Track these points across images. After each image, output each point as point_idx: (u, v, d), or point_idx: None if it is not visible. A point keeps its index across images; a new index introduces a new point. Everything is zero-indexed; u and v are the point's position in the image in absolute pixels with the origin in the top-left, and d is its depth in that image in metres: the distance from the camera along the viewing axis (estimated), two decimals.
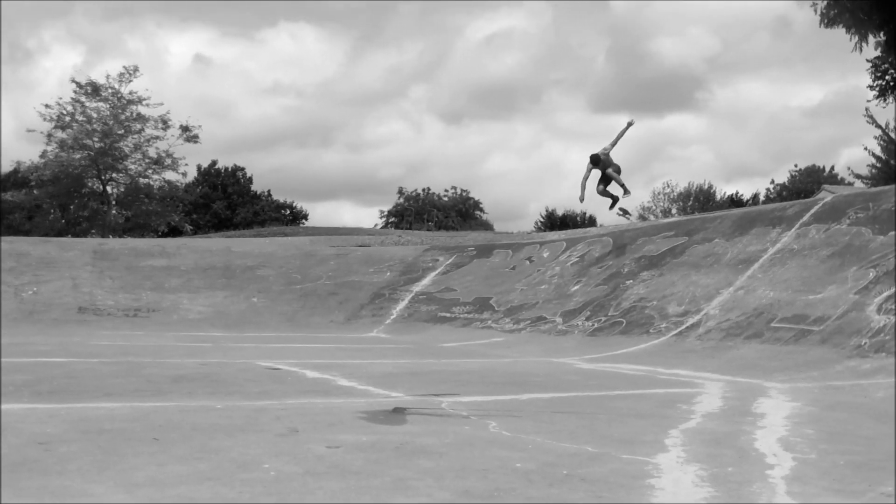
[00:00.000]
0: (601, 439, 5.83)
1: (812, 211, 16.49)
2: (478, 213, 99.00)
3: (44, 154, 50.24)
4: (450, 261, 25.00)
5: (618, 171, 19.62)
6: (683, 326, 14.22)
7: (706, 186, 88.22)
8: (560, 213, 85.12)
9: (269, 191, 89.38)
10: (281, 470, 4.70)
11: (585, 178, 19.60)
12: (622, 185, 19.64)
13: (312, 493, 4.17)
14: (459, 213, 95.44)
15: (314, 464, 4.89)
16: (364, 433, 6.00)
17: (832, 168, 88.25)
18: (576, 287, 18.92)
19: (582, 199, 20.40)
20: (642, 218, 70.15)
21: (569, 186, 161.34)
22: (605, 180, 19.61)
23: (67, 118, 49.51)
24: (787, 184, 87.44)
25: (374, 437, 5.85)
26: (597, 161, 19.34)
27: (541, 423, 6.62)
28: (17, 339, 15.53)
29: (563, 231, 31.82)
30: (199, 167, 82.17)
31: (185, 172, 54.86)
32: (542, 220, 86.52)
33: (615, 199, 19.86)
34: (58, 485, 4.28)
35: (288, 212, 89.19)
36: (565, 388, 9.29)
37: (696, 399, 8.29)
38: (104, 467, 4.69)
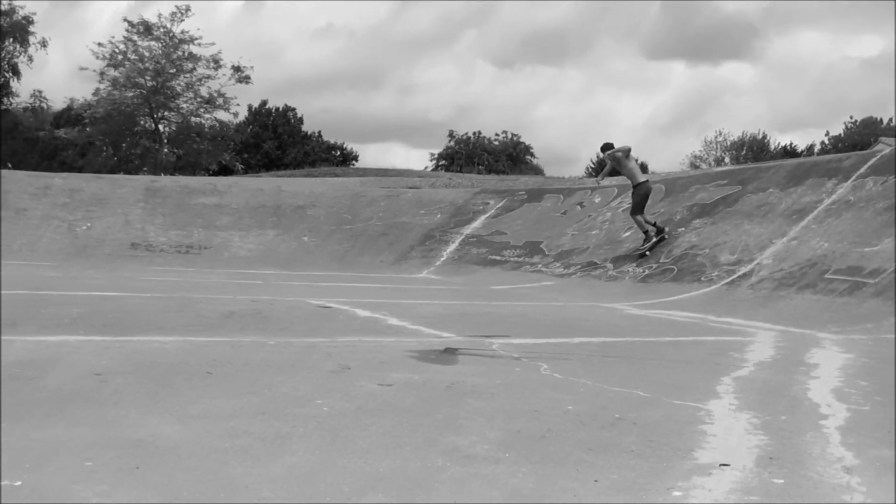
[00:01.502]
0: (652, 384, 5.79)
1: (869, 163, 16.16)
2: (528, 157, 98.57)
3: (96, 92, 50.71)
4: (500, 204, 24.94)
5: (640, 206, 17.47)
6: (735, 275, 14.08)
7: (760, 136, 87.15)
8: None
9: (319, 132, 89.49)
10: (333, 406, 4.72)
11: (606, 171, 18.70)
12: (641, 229, 17.57)
13: (365, 430, 4.18)
14: (510, 157, 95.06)
15: (366, 400, 4.91)
16: (415, 372, 6.02)
17: (890, 120, 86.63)
18: (627, 233, 18.78)
19: (599, 181, 20.06)
20: (694, 166, 69.46)
21: (619, 133, 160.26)
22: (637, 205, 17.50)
23: (120, 57, 49.84)
24: (842, 135, 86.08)
25: (425, 376, 5.87)
26: (605, 149, 18.15)
27: (591, 366, 6.59)
28: (72, 273, 15.76)
29: (615, 177, 31.46)
30: (249, 107, 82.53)
31: (237, 112, 55.33)
32: (592, 166, 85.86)
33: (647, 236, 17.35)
34: (114, 415, 4.33)
35: (338, 153, 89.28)
36: (616, 334, 9.25)
37: (748, 348, 8.21)
38: (158, 399, 4.75)
